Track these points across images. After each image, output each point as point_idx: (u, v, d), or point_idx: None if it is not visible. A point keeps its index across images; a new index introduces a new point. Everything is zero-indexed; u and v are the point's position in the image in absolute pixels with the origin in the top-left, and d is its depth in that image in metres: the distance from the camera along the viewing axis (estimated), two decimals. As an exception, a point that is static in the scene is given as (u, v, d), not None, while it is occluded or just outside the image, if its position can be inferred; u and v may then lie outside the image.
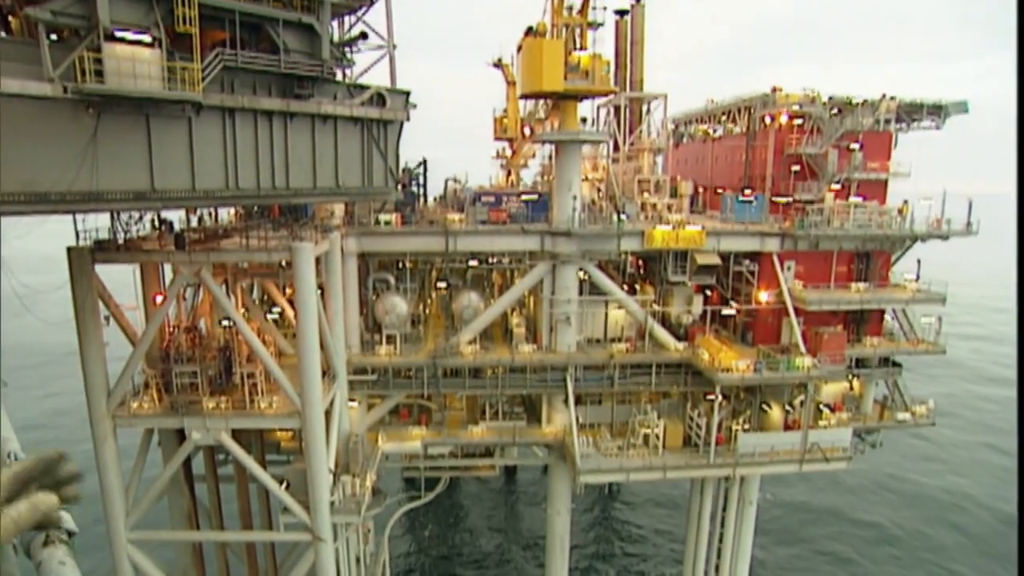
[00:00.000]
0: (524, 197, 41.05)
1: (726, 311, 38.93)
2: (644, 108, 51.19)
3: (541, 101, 42.47)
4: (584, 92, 35.27)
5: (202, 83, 20.11)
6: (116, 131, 19.47)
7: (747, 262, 37.65)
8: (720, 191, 44.91)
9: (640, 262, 41.91)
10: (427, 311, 43.52)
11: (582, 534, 54.29)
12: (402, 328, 36.35)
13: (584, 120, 38.35)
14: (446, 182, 49.80)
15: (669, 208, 42.11)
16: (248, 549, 38.43)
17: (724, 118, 47.41)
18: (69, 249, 25.70)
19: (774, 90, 40.77)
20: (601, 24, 35.89)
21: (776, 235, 36.88)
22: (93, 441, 27.71)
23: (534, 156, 55.53)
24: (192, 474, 34.85)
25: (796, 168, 39.66)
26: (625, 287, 38.85)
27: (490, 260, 38.39)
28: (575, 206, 35.45)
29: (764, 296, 37.19)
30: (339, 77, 25.50)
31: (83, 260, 25.88)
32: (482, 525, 57.17)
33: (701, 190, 49.28)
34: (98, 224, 26.42)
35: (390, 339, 35.97)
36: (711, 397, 35.01)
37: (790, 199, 39.37)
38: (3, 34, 19.42)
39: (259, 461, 33.76)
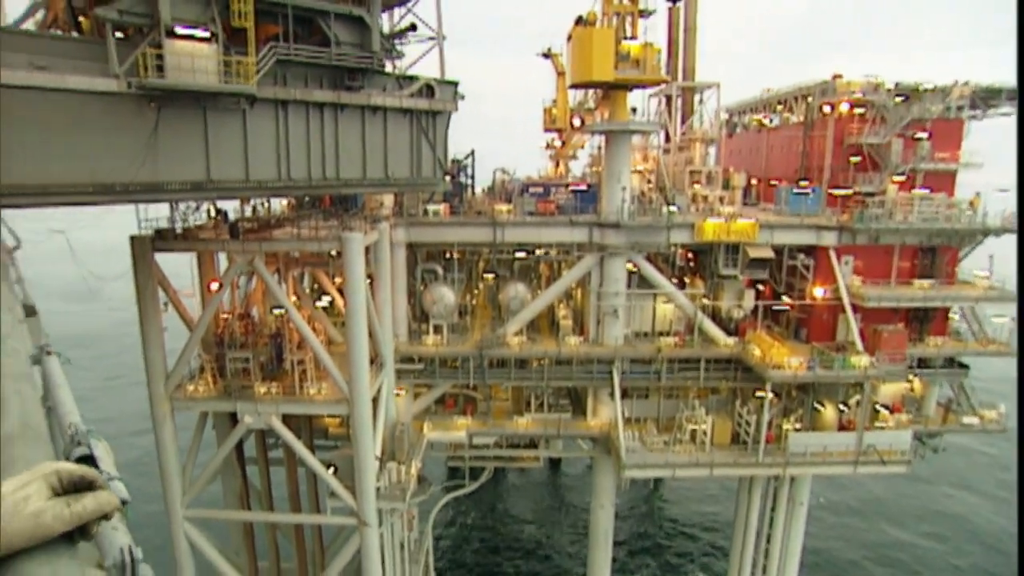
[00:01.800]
0: (572, 188, 40.76)
1: (779, 306, 37.79)
2: (696, 98, 50.04)
3: (591, 91, 41.95)
4: (635, 82, 34.62)
5: (256, 76, 20.56)
6: (175, 124, 20.12)
7: (802, 256, 36.42)
8: (775, 183, 43.52)
9: (690, 255, 41.03)
10: (474, 302, 43.71)
11: (625, 529, 53.92)
12: (449, 318, 36.59)
13: (634, 110, 37.72)
14: (494, 173, 49.82)
15: (721, 200, 41.06)
16: (296, 531, 39.56)
17: (780, 107, 45.85)
18: (132, 238, 26.81)
19: (835, 77, 39.15)
20: (652, 12, 35.10)
21: (834, 228, 35.51)
22: (152, 422, 28.95)
23: (583, 147, 55.06)
24: (244, 457, 36.05)
25: (856, 159, 38.06)
26: (674, 280, 38.15)
27: (537, 251, 38.21)
28: (624, 197, 34.94)
29: (819, 292, 35.91)
30: (389, 69, 25.71)
31: (144, 248, 26.96)
32: (525, 516, 57.41)
33: (755, 182, 47.86)
34: (158, 214, 27.45)
35: (437, 329, 36.26)
36: (761, 394, 34.09)
37: (849, 191, 37.82)
38: (75, 34, 20.30)
39: (308, 446, 34.66)
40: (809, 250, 36.29)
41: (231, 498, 35.83)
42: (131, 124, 19.28)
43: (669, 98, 48.18)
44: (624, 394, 36.04)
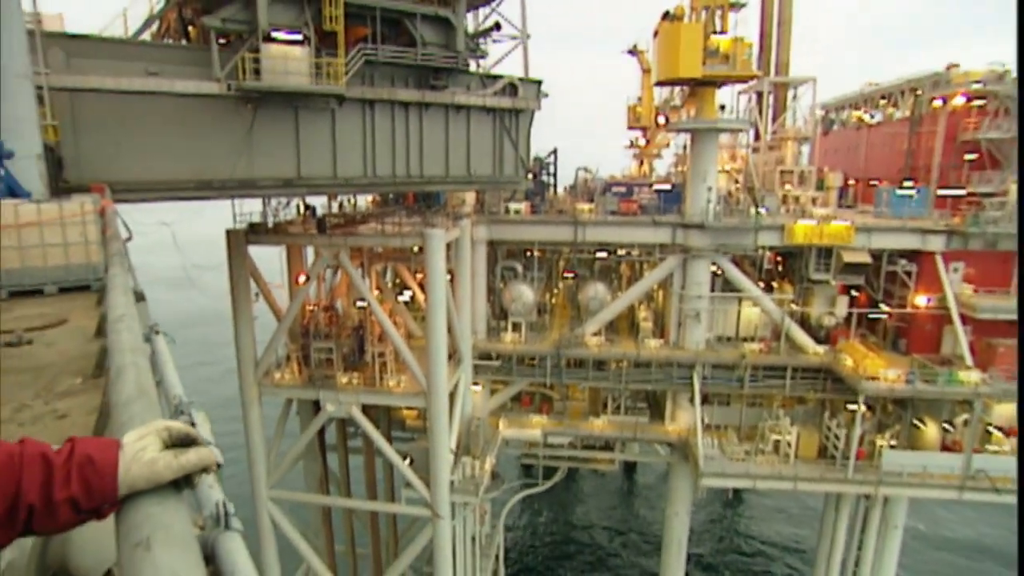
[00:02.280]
0: (656, 187, 39.84)
1: (875, 314, 35.42)
2: (790, 94, 47.70)
3: (677, 88, 40.81)
4: (723, 78, 33.38)
5: (345, 77, 21.26)
6: (269, 123, 21.14)
7: (903, 262, 33.92)
8: (875, 183, 40.83)
9: (779, 258, 39.19)
10: (553, 300, 43.59)
11: (700, 541, 52.22)
12: (528, 316, 36.64)
13: (723, 107, 36.36)
14: (577, 172, 49.47)
15: (814, 201, 39.00)
16: (372, 518, 40.79)
17: (884, 102, 43.01)
18: (227, 231, 28.42)
19: (949, 67, 36.26)
20: (744, 5, 33.71)
21: (941, 232, 32.85)
22: (242, 405, 30.61)
23: (668, 145, 53.71)
24: (325, 443, 37.50)
25: (972, 156, 35.08)
26: (761, 284, 36.53)
27: (619, 251, 37.62)
28: (710, 198, 33.78)
29: (923, 300, 33.35)
30: (473, 68, 25.97)
31: (239, 241, 28.53)
32: (597, 519, 56.73)
33: (852, 182, 45.11)
34: (251, 209, 28.96)
35: (516, 326, 36.39)
36: (853, 407, 32.08)
37: (962, 191, 34.91)
38: (184, 42, 21.73)
39: (386, 436, 35.62)
40: (912, 255, 33.76)
41: (311, 482, 37.37)
42: (229, 124, 20.43)
43: (760, 94, 46.19)
44: (704, 400, 34.88)
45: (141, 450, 1.48)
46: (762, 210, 34.71)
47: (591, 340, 35.71)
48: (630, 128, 52.53)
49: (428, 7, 23.20)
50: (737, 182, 43.95)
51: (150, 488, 1.44)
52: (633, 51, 50.42)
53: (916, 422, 33.10)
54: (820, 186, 40.65)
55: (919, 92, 37.91)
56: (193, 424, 1.75)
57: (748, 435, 35.54)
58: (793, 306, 35.12)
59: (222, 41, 20.01)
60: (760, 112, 46.16)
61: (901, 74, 41.01)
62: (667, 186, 39.66)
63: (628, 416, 37.71)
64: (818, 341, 34.59)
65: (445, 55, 24.01)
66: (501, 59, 28.84)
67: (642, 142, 54.72)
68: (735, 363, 34.24)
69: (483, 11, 26.95)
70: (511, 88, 26.68)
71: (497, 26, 26.10)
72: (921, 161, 37.74)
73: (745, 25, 34.22)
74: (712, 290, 35.02)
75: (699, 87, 34.57)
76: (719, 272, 35.01)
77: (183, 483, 1.50)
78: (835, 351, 33.61)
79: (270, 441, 32.11)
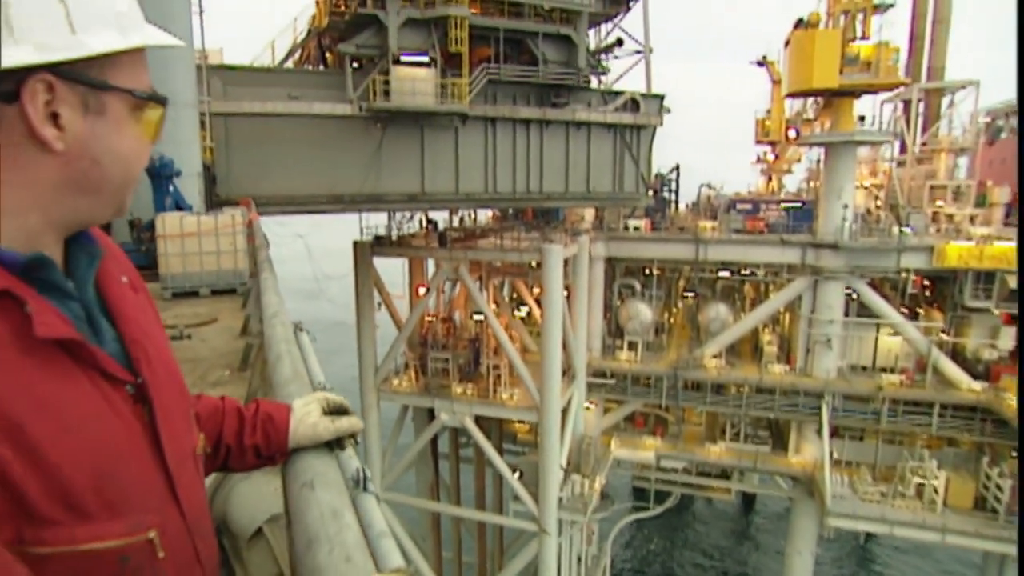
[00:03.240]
0: (785, 205, 37.70)
1: (1047, 350, 31.17)
2: (945, 100, 43.44)
3: (810, 100, 38.46)
4: (864, 87, 31.02)
5: (468, 96, 22.00)
6: (396, 141, 22.29)
7: (1085, 290, 29.68)
8: (1049, 199, 36.10)
9: (926, 282, 35.55)
10: (672, 320, 42.31)
11: (827, 583, 48.13)
12: (645, 335, 35.83)
13: (862, 119, 33.71)
14: (699, 188, 47.93)
15: (972, 219, 35.13)
16: (479, 528, 41.26)
17: (1064, 107, 37.98)
18: (354, 243, 30.17)
19: None
20: (891, 5, 31.17)
21: None
22: (361, 409, 32.18)
23: (799, 160, 50.77)
24: (438, 451, 38.51)
25: None
26: (904, 310, 33.31)
27: (743, 271, 35.91)
28: (845, 215, 31.37)
29: (1109, 335, 28.98)
30: (594, 84, 25.98)
31: (364, 253, 30.21)
32: (711, 551, 53.90)
33: None
34: (376, 222, 30.55)
35: (632, 345, 35.68)
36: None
37: None
38: (321, 67, 23.52)
39: (497, 448, 36.01)
40: (1097, 283, 29.49)
41: (423, 488, 38.49)
42: (360, 142, 21.77)
43: (908, 103, 42.45)
44: (834, 433, 32.25)
45: (306, 414, 1.77)
46: (907, 229, 31.73)
47: (710, 362, 34.23)
48: (758, 143, 50.13)
49: (550, 26, 23.53)
50: (878, 199, 40.60)
51: (311, 445, 1.73)
52: (762, 62, 48.24)
53: (1097, 476, 28.65)
54: (981, 202, 36.60)
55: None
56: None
57: (884, 475, 32.35)
58: (943, 336, 31.70)
59: (355, 65, 21.44)
60: (908, 122, 42.40)
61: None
62: (797, 203, 37.38)
63: (748, 444, 35.64)
64: (975, 376, 30.91)
65: (566, 72, 24.21)
66: (623, 74, 28.65)
67: (771, 157, 52.10)
68: (871, 395, 31.39)
69: (605, 27, 26.89)
70: (633, 104, 26.39)
71: (619, 42, 26.00)
72: (1108, 175, 32.91)
73: (891, 28, 31.67)
74: (846, 315, 32.42)
75: (835, 98, 32.34)
76: (854, 296, 32.38)
77: (335, 444, 1.77)
78: (996, 389, 29.87)
79: (385, 445, 33.48)
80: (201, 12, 14.80)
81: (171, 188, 10.96)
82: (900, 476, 31.05)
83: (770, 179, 52.52)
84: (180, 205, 11.03)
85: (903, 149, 44.11)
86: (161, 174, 10.60)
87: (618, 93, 26.61)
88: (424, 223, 33.64)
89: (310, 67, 23.80)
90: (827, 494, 30.04)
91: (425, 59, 21.41)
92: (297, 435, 1.73)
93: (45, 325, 0.96)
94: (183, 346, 6.39)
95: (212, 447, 1.65)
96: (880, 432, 32.78)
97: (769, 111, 48.23)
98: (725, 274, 35.90)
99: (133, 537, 1.06)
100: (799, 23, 31.79)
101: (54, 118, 0.95)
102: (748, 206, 38.74)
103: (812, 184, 45.87)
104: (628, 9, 26.52)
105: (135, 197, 1.34)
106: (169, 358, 1.34)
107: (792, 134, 45.46)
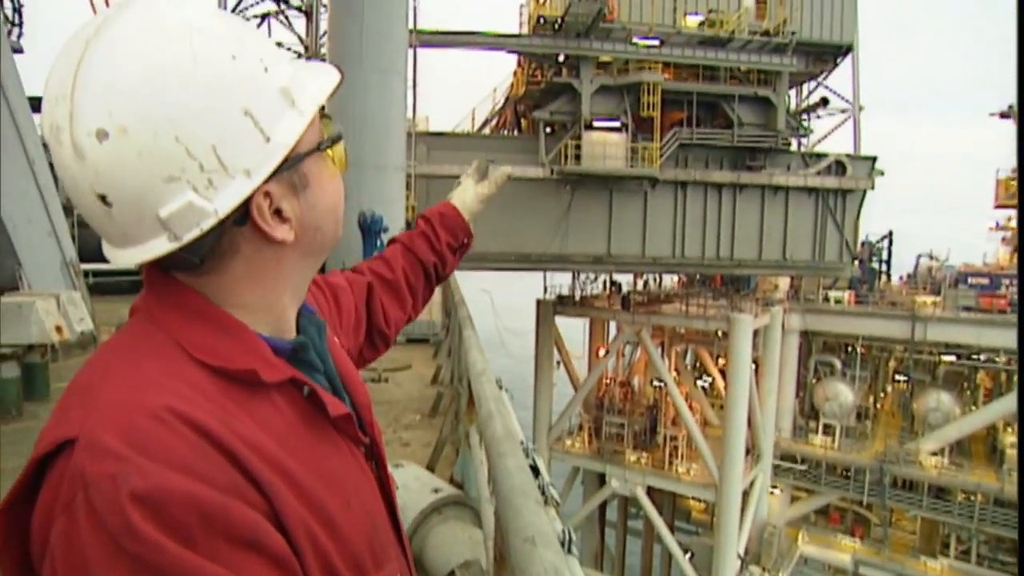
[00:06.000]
0: (1033, 280, 32.05)
1: None
2: None
3: (1072, 158, 32.79)
4: None
5: (659, 160, 21.94)
6: (585, 203, 22.81)
7: None
8: None
9: None
10: (878, 405, 37.36)
11: None
12: (844, 420, 32.01)
13: None
14: (918, 258, 42.58)
15: None
16: (646, 607, 38.74)
17: None
18: (538, 301, 30.98)
19: None
20: None
21: None
22: (535, 466, 32.29)
23: (1054, 228, 43.12)
24: (605, 518, 37.15)
25: None
26: None
27: (973, 356, 30.89)
28: (1120, 298, 25.80)
29: None
30: (794, 146, 24.60)
31: (547, 311, 30.84)
32: None
33: None
34: (560, 281, 31.17)
35: (828, 429, 32.05)
36: None
37: None
38: (516, 132, 25.08)
39: (668, 524, 33.88)
40: None
41: (587, 554, 37.15)
42: (550, 204, 22.59)
43: None
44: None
45: (463, 191, 1.90)
46: None
47: (928, 460, 29.50)
48: (998, 206, 43.51)
49: (747, 88, 22.86)
50: None
51: (481, 207, 1.89)
52: (1007, 113, 42.28)
53: None
54: None
55: None
56: (535, 464, 2.03)
57: None
58: None
59: (548, 130, 22.49)
60: None
61: None
62: (1051, 279, 31.59)
63: (983, 569, 29.68)
64: None
65: (763, 135, 23.22)
66: (828, 134, 26.81)
67: (1015, 223, 44.94)
68: None
69: (807, 86, 25.52)
70: (838, 166, 24.46)
71: (824, 101, 24.45)
72: None
73: None
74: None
75: (1107, 157, 27.23)
76: None
77: (546, 500, 1.72)
78: None
79: (555, 505, 33.14)
80: (415, 87, 16.63)
81: (379, 243, 12.23)
82: None
83: (1015, 249, 45.17)
84: (385, 258, 12.31)
85: None
86: (372, 229, 11.86)
87: (821, 155, 24.86)
88: (608, 285, 33.69)
89: (506, 132, 25.46)
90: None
91: (617, 124, 21.86)
92: (467, 209, 1.84)
93: (333, 405, 1.03)
94: (380, 388, 7.02)
95: (423, 278, 1.75)
96: None
97: (1015, 169, 41.90)
98: (950, 358, 31.10)
99: None
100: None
101: (278, 215, 0.98)
102: (984, 280, 33.53)
103: (1072, 258, 38.59)
104: (835, 66, 24.95)
105: (346, 251, 1.45)
106: (369, 404, 1.38)
107: (1044, 199, 38.90)
